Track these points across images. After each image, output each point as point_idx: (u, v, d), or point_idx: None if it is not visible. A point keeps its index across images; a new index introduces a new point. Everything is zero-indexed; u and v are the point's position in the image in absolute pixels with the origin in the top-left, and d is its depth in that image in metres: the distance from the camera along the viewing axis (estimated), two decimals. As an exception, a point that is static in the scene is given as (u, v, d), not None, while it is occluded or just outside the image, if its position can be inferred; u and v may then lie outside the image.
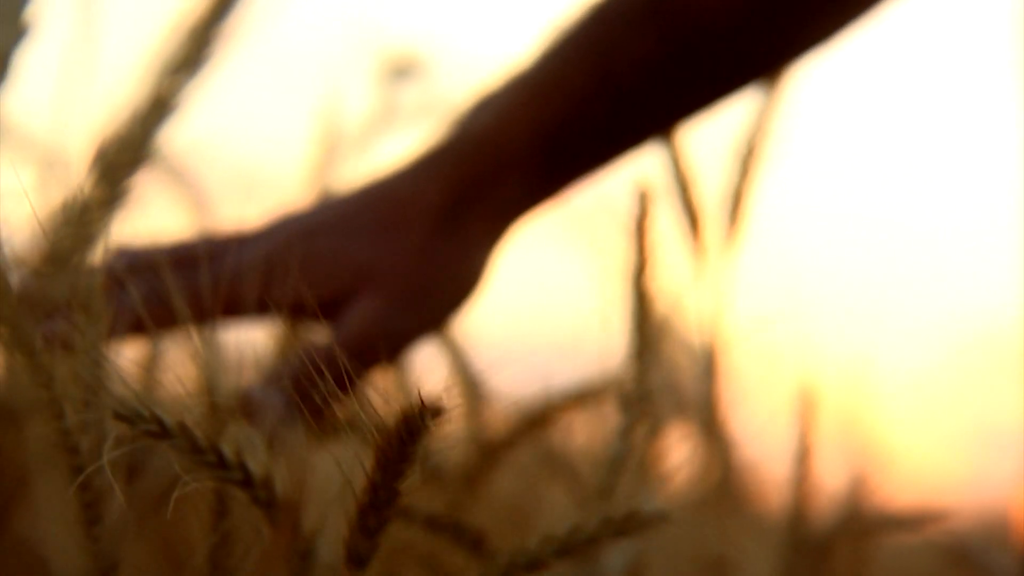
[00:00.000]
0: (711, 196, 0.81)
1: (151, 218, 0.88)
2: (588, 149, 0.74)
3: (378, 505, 0.51)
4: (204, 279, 0.66)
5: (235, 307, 0.68)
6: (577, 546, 0.56)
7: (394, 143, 0.98)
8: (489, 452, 0.71)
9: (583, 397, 0.74)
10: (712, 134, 0.80)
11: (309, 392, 0.51)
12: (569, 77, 0.73)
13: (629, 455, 0.65)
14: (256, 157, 1.02)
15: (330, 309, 0.69)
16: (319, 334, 0.71)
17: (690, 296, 0.81)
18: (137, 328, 0.63)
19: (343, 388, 0.51)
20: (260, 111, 1.07)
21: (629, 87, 0.74)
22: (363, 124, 0.98)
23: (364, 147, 0.96)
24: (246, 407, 0.59)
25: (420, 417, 0.49)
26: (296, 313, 0.69)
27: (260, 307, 0.68)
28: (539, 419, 0.72)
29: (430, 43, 1.03)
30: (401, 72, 1.00)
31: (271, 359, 0.73)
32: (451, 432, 0.60)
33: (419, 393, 0.48)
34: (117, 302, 0.55)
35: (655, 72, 0.74)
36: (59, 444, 0.53)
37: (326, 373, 0.51)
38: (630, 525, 0.57)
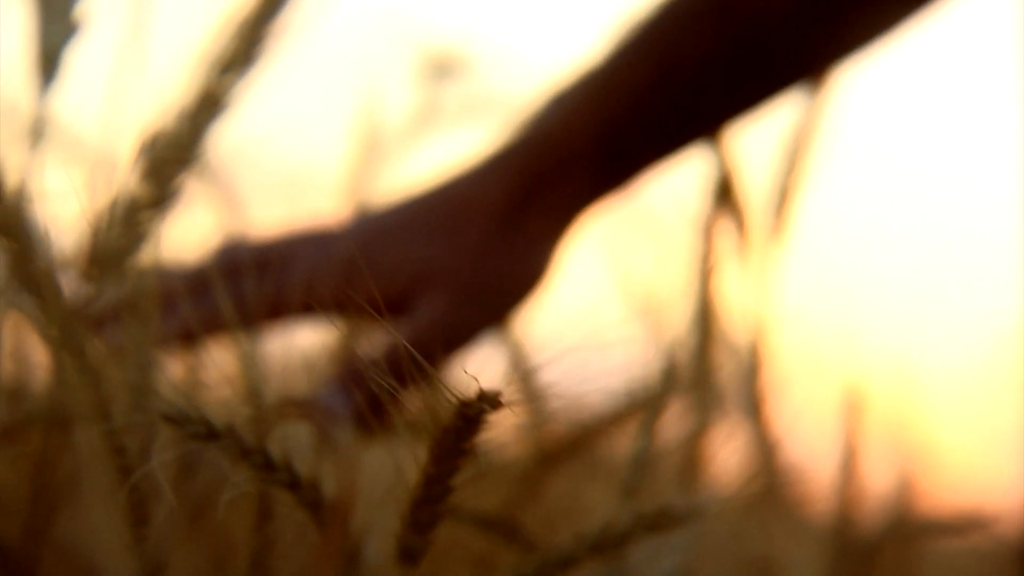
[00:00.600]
0: (758, 196, 0.81)
1: (194, 220, 0.87)
2: (648, 145, 0.75)
3: (431, 500, 0.51)
4: (274, 283, 0.66)
5: (301, 310, 0.69)
6: (610, 543, 0.55)
7: (436, 143, 0.98)
8: (551, 456, 0.70)
9: (646, 402, 0.73)
10: (760, 134, 0.80)
11: (373, 392, 0.52)
12: (630, 75, 0.74)
13: (672, 454, 0.65)
14: (297, 157, 1.02)
15: (393, 309, 0.70)
16: (381, 335, 0.71)
17: (736, 295, 0.81)
18: (208, 330, 0.65)
19: (407, 387, 0.51)
20: (301, 111, 1.07)
21: (688, 83, 0.74)
22: (404, 124, 0.98)
23: (405, 147, 0.96)
24: (310, 409, 0.59)
25: (476, 410, 0.48)
26: (360, 314, 0.70)
27: (326, 309, 0.69)
28: (604, 425, 0.72)
29: (472, 41, 1.02)
30: (443, 71, 1.00)
31: (333, 361, 0.73)
32: (510, 430, 0.60)
33: (477, 386, 0.48)
34: (190, 307, 0.56)
35: (714, 68, 0.74)
36: (107, 446, 0.53)
37: (391, 372, 0.52)
38: (663, 521, 0.56)
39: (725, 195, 0.79)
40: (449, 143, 0.98)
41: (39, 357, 0.61)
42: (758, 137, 0.81)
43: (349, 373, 0.67)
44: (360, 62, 1.02)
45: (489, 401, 0.48)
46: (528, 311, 0.74)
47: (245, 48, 0.53)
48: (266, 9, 0.53)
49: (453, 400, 0.48)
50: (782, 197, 0.81)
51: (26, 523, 0.58)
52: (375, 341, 0.72)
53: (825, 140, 0.82)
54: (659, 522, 0.56)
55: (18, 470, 0.62)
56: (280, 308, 0.68)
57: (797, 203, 0.81)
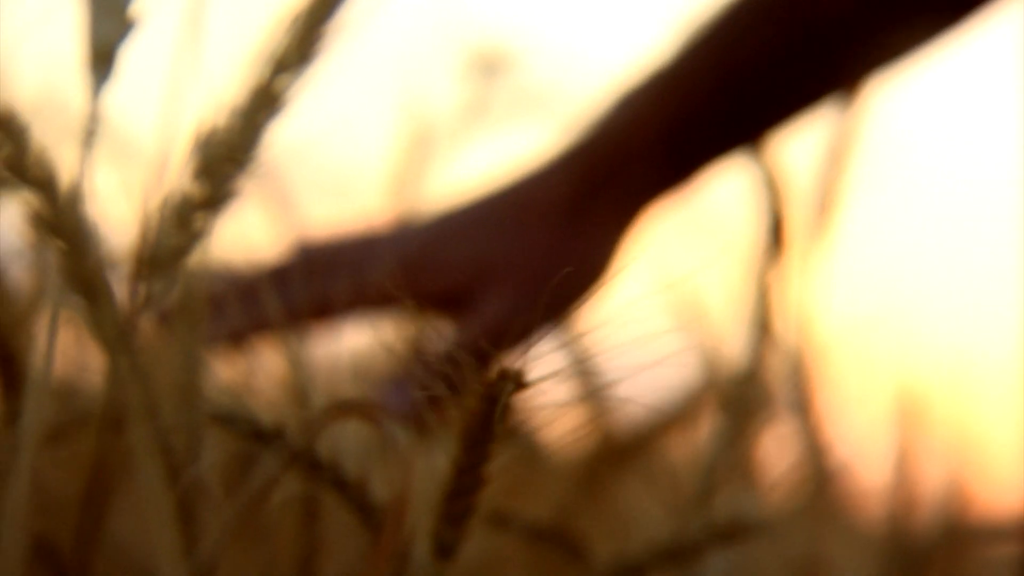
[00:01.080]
0: (805, 198, 0.82)
1: (248, 220, 0.87)
2: (711, 140, 0.76)
3: (463, 491, 0.50)
4: (341, 283, 0.67)
5: (364, 308, 0.70)
6: (680, 553, 0.55)
7: (485, 140, 0.97)
8: (610, 458, 0.70)
9: (702, 404, 0.73)
10: (805, 137, 0.81)
11: (433, 390, 0.52)
12: (695, 70, 0.75)
13: (729, 459, 0.64)
14: (347, 156, 1.01)
15: (456, 305, 0.71)
16: (442, 332, 0.72)
17: (787, 298, 0.81)
18: (267, 329, 0.67)
19: (467, 384, 0.50)
20: (351, 110, 1.07)
21: (752, 78, 0.76)
22: (453, 121, 0.97)
23: (455, 144, 0.96)
24: (367, 408, 0.59)
25: (500, 390, 0.47)
26: (423, 311, 0.71)
27: (389, 306, 0.70)
28: (660, 429, 0.71)
29: (520, 37, 1.02)
30: (492, 67, 0.99)
31: (392, 358, 0.73)
32: (563, 430, 0.60)
33: (499, 366, 0.47)
34: (252, 306, 0.57)
35: (777, 63, 0.76)
36: (156, 447, 0.53)
37: (451, 369, 0.52)
38: (733, 532, 0.56)
39: (774, 197, 0.79)
40: (498, 140, 0.97)
41: (91, 358, 0.61)
42: (804, 140, 0.81)
43: (409, 371, 0.68)
44: (409, 59, 1.02)
45: (513, 380, 0.47)
46: (589, 307, 0.74)
47: (302, 46, 0.53)
48: (323, 7, 0.53)
49: (477, 383, 0.47)
50: (828, 198, 0.82)
51: (77, 524, 0.58)
52: (436, 338, 0.72)
53: (869, 143, 0.82)
54: (730, 533, 0.55)
55: (69, 471, 0.61)
56: (345, 306, 0.69)
57: (843, 205, 0.82)
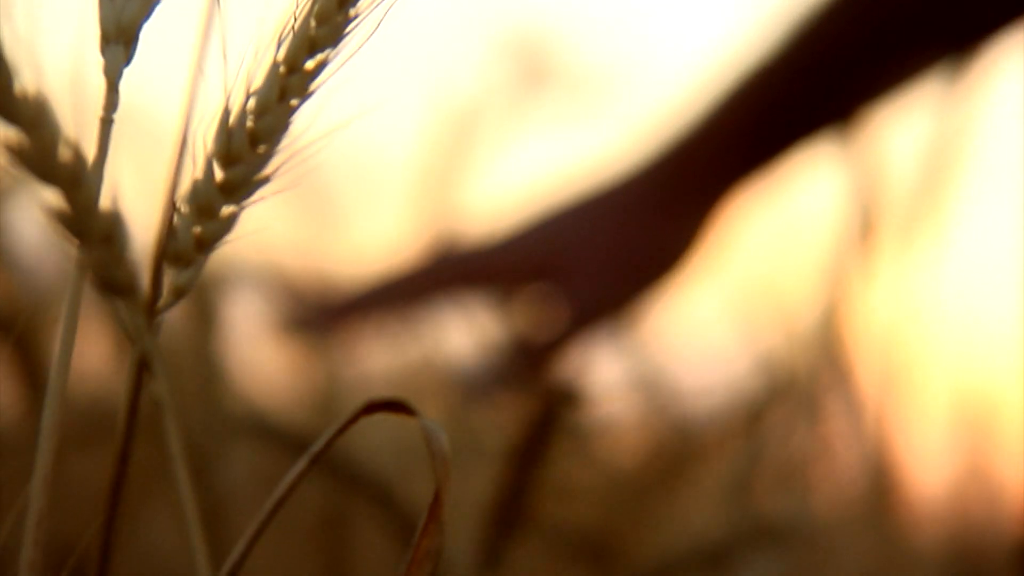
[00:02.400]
0: (892, 196, 0.82)
1: (272, 211, 0.85)
2: (794, 124, 0.78)
3: (512, 502, 0.50)
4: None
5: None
6: (717, 554, 0.55)
7: (521, 137, 0.95)
8: (668, 465, 0.68)
9: (754, 409, 0.71)
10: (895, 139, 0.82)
11: (521, 366, 0.56)
12: (782, 55, 0.78)
13: (781, 462, 0.63)
14: (379, 147, 1.00)
15: (542, 286, 0.76)
16: (527, 317, 0.75)
17: (858, 299, 0.80)
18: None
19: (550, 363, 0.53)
20: (384, 99, 1.05)
21: (834, 59, 0.78)
22: (487, 112, 0.95)
23: (495, 138, 0.94)
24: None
25: (554, 408, 0.48)
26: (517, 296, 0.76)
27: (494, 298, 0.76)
28: (716, 434, 0.70)
29: (557, 29, 1.00)
30: (528, 58, 0.97)
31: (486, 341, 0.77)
32: (623, 439, 0.59)
33: (553, 383, 0.47)
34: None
35: (858, 43, 0.78)
36: (183, 450, 0.51)
37: (539, 349, 0.55)
38: (771, 534, 0.55)
39: (864, 190, 0.80)
40: (534, 136, 0.96)
41: (117, 358, 0.59)
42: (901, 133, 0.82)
43: (502, 349, 0.72)
44: (450, 48, 1.00)
45: (566, 399, 0.48)
46: (675, 288, 0.77)
47: (332, 27, 0.50)
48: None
49: (532, 399, 0.47)
50: (920, 197, 0.81)
51: (102, 526, 0.56)
52: (526, 320, 0.75)
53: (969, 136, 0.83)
54: (765, 534, 0.55)
55: (96, 472, 0.60)
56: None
57: (931, 203, 0.81)
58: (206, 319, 0.53)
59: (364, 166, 0.96)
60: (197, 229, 0.50)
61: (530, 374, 0.68)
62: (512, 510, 0.50)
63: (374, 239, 0.89)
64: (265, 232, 0.72)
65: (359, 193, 0.94)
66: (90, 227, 0.47)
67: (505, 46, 0.95)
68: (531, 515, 0.50)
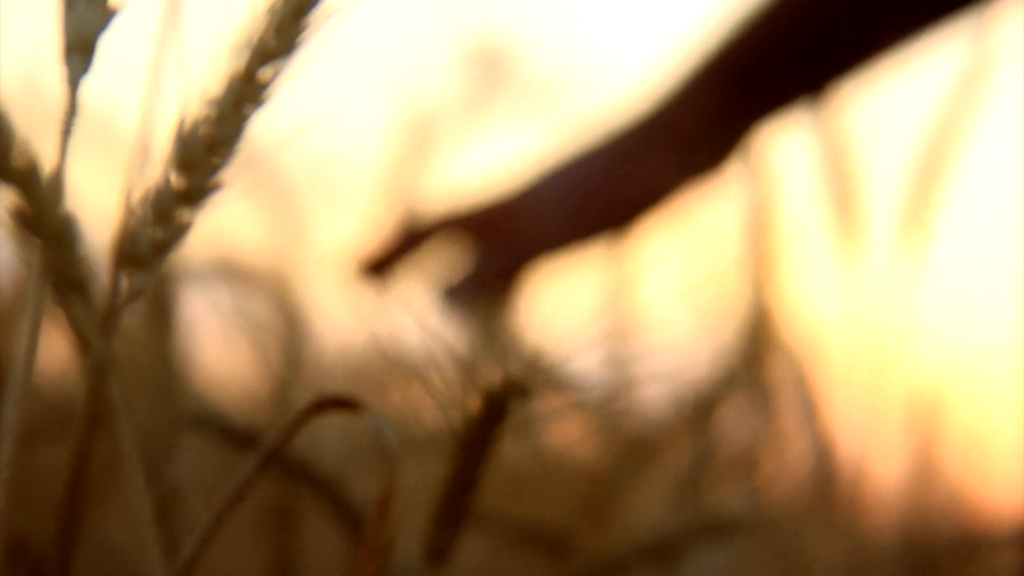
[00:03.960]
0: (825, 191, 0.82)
1: (233, 214, 0.86)
2: (767, 93, 0.81)
3: (457, 495, 0.50)
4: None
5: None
6: (665, 548, 0.55)
7: (483, 136, 0.97)
8: (611, 460, 0.69)
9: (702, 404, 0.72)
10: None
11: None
12: (756, 22, 0.81)
13: (728, 457, 0.64)
14: (339, 151, 1.01)
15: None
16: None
17: (801, 294, 0.81)
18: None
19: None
20: (345, 104, 1.06)
21: (808, 28, 0.81)
22: (451, 116, 0.97)
23: (452, 139, 0.95)
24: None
25: (501, 399, 0.48)
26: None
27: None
28: (664, 430, 0.71)
29: (515, 37, 1.02)
30: (490, 63, 0.98)
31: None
32: (575, 431, 0.60)
33: (502, 374, 0.47)
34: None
35: (832, 12, 0.81)
36: (135, 447, 0.52)
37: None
38: (719, 526, 0.55)
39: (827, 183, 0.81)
40: (498, 136, 0.97)
41: (70, 355, 0.60)
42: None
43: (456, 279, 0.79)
44: (408, 53, 1.01)
45: (514, 390, 0.47)
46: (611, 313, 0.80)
47: (285, 34, 0.52)
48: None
49: (479, 389, 0.48)
50: (847, 195, 0.82)
51: (59, 523, 0.57)
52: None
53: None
54: (713, 527, 0.55)
55: (51, 469, 0.61)
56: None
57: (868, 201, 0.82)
58: (163, 317, 0.54)
59: (326, 169, 0.97)
60: (154, 233, 0.51)
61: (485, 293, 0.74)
62: (459, 504, 0.50)
63: (335, 240, 0.90)
64: (225, 232, 0.73)
65: (321, 195, 0.95)
66: (45, 227, 0.49)
67: (464, 52, 0.96)
68: (478, 509, 0.51)
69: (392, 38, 1.06)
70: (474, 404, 0.48)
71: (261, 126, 0.52)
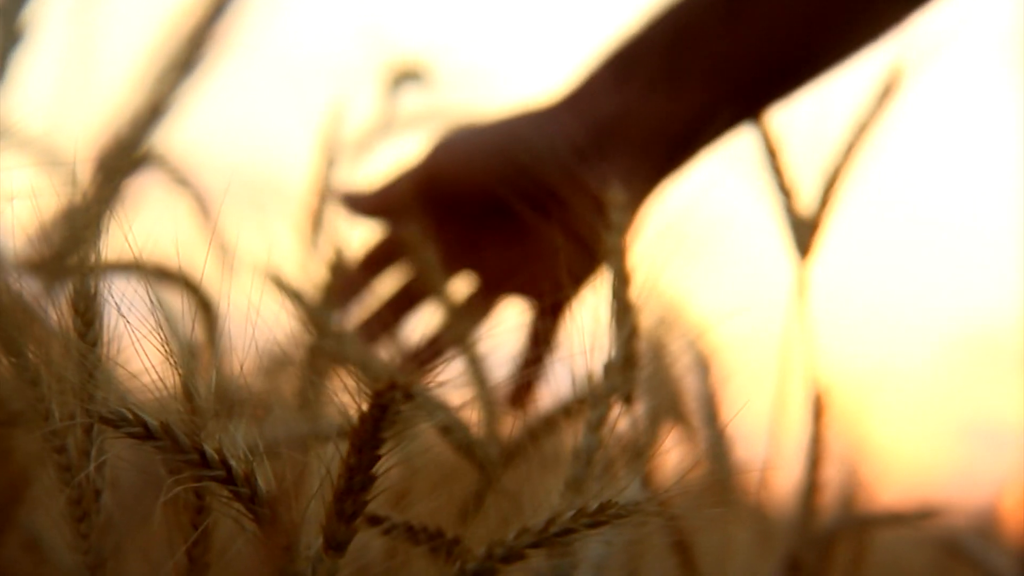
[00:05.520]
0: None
1: (152, 221, 0.88)
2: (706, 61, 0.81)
3: (353, 490, 0.52)
4: None
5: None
6: (552, 538, 0.56)
7: (396, 149, 0.98)
8: (503, 452, 0.71)
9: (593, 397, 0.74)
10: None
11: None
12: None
13: (608, 448, 0.64)
14: (261, 161, 1.02)
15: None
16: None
17: (690, 296, 0.81)
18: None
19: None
20: (265, 116, 1.08)
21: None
22: (366, 130, 0.98)
23: (366, 152, 0.97)
24: (261, 403, 0.61)
25: (389, 399, 0.49)
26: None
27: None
28: (554, 421, 0.72)
29: (434, 51, 1.03)
30: (405, 79, 1.00)
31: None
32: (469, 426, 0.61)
33: (391, 374, 0.48)
34: None
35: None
36: (48, 446, 0.53)
37: None
38: (605, 516, 0.56)
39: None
40: (408, 149, 0.99)
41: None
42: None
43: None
44: (325, 69, 1.03)
45: (402, 390, 0.49)
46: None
47: (190, 51, 0.54)
48: (211, 13, 0.54)
49: (368, 389, 0.49)
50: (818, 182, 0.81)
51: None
52: None
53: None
54: (602, 517, 0.56)
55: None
56: None
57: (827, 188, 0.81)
58: (86, 316, 0.55)
59: (248, 177, 0.99)
60: (67, 236, 0.54)
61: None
62: (355, 499, 0.51)
63: (253, 245, 0.92)
64: (145, 235, 0.75)
65: (242, 202, 0.97)
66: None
67: (384, 67, 0.98)
68: (371, 504, 0.52)
69: (315, 50, 1.07)
70: (366, 400, 0.49)
71: (178, 135, 0.54)
